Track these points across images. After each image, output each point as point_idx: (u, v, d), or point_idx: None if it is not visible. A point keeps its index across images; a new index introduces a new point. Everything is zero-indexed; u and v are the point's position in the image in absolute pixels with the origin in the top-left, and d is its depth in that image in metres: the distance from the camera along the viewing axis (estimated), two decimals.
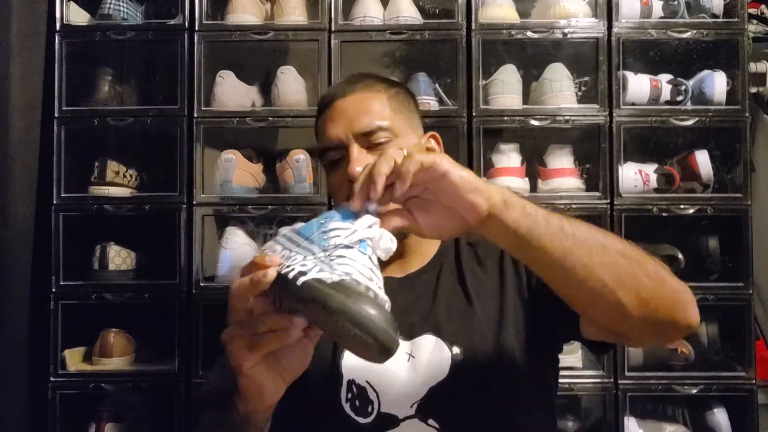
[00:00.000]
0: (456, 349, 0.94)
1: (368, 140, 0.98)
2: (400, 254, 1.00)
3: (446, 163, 0.70)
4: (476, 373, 0.93)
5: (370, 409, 0.92)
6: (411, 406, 0.92)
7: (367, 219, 0.71)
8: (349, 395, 0.93)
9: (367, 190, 0.71)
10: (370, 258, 0.68)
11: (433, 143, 1.10)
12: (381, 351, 0.62)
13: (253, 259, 0.68)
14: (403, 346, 0.94)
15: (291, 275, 0.64)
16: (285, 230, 0.74)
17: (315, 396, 0.94)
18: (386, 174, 0.70)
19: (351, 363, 0.94)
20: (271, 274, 0.65)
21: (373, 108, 0.99)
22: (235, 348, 0.69)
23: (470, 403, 0.92)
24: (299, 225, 0.73)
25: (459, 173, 0.71)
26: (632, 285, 0.75)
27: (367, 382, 0.93)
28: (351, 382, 0.94)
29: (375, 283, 0.66)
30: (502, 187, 0.75)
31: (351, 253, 0.67)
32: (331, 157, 1.01)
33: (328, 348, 0.95)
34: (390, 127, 0.99)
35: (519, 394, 0.94)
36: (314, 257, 0.67)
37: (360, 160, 0.95)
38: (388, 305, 0.65)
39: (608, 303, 0.76)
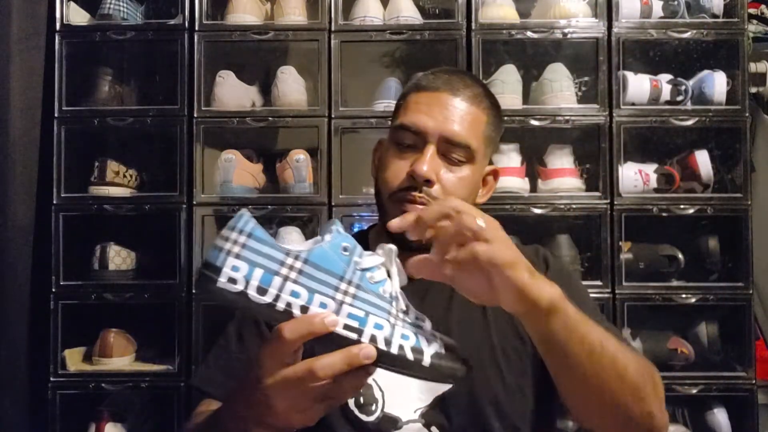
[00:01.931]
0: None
1: (448, 148, 0.95)
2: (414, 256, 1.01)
3: (503, 257, 0.64)
4: (483, 386, 0.92)
5: (374, 408, 0.92)
6: (415, 411, 0.92)
7: (383, 250, 0.68)
8: None
9: (416, 226, 0.68)
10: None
11: (490, 179, 1.07)
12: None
13: (298, 321, 0.62)
14: None
15: (408, 354, 0.64)
16: (280, 255, 0.63)
17: None
18: (448, 237, 0.66)
19: None
20: (373, 353, 0.62)
21: (470, 124, 0.96)
22: (300, 403, 0.64)
23: (474, 416, 0.92)
24: (303, 250, 0.63)
25: (515, 274, 0.65)
26: (623, 416, 0.77)
27: (374, 380, 0.93)
28: None
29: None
30: (555, 289, 0.69)
31: (405, 301, 0.68)
32: (403, 138, 0.97)
33: None
34: (473, 150, 0.96)
35: (524, 410, 0.94)
36: (388, 315, 0.65)
37: (431, 164, 0.93)
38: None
39: (592, 416, 0.79)
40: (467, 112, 0.96)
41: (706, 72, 1.70)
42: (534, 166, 1.72)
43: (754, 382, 1.61)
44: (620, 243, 1.63)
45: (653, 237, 1.71)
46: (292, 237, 1.65)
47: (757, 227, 1.64)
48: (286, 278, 0.62)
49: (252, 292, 0.61)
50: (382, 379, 0.93)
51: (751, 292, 1.62)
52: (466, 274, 0.67)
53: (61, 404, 1.62)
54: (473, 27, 1.65)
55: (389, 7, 1.71)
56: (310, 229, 1.70)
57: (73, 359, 1.65)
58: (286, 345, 0.62)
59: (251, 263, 0.61)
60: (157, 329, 1.66)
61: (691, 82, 1.70)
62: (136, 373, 1.64)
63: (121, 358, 1.65)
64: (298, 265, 0.62)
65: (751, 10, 1.81)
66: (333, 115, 1.65)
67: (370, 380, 0.91)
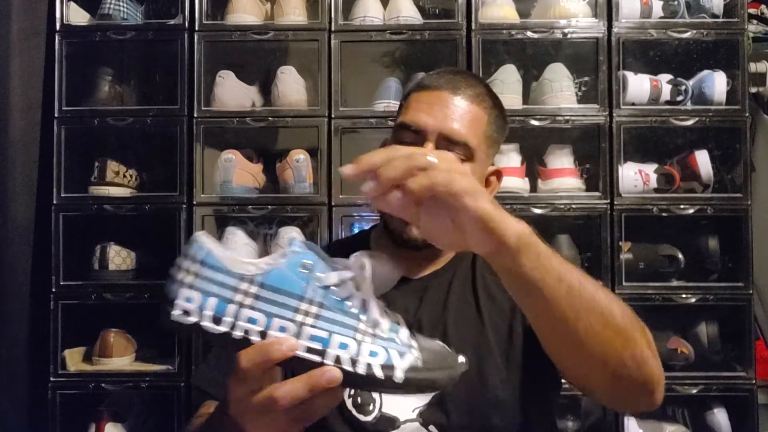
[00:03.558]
0: (462, 359, 0.94)
1: (447, 146, 0.93)
2: (419, 256, 1.00)
3: (460, 185, 0.61)
4: (481, 385, 0.92)
5: (371, 408, 0.92)
6: (413, 411, 0.92)
7: (355, 259, 0.63)
8: (352, 391, 0.92)
9: (372, 174, 0.63)
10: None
11: (494, 180, 1.05)
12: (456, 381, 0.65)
13: (255, 349, 0.59)
14: None
15: (377, 373, 0.59)
16: (234, 281, 0.60)
17: None
18: (396, 176, 0.62)
19: None
20: (338, 377, 0.58)
21: (470, 123, 0.95)
22: (272, 426, 0.62)
23: (473, 414, 0.91)
24: (258, 273, 0.60)
25: (475, 203, 0.62)
26: (615, 363, 0.74)
27: None
28: None
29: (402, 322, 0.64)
30: (522, 225, 0.66)
31: (379, 307, 0.62)
32: (404, 137, 0.96)
33: None
34: (473, 148, 0.95)
35: (521, 409, 0.94)
36: (354, 332, 0.60)
37: None
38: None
39: (585, 370, 0.77)
40: (467, 110, 0.96)
41: (706, 72, 1.70)
42: (534, 166, 1.72)
43: (754, 382, 1.61)
44: (620, 243, 1.63)
45: (653, 237, 1.71)
46: (287, 234, 1.65)
47: (757, 227, 1.64)
48: (241, 305, 0.59)
49: (206, 323, 0.59)
50: None
51: (751, 292, 1.62)
52: (429, 216, 0.64)
53: (61, 404, 1.62)
54: (473, 27, 1.65)
55: (389, 7, 1.71)
56: (310, 229, 1.70)
57: (73, 359, 1.65)
58: (246, 374, 0.60)
59: (205, 293, 0.59)
60: (157, 329, 1.66)
61: (691, 82, 1.70)
62: (136, 373, 1.63)
63: (121, 358, 1.65)
64: (254, 289, 0.60)
65: (751, 10, 1.81)
66: (333, 115, 1.65)
67: None
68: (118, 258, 1.67)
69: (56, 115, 1.67)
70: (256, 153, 1.76)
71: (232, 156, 1.65)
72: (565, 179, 1.66)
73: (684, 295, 1.62)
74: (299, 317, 0.59)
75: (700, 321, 1.69)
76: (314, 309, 0.60)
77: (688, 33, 1.66)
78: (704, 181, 1.69)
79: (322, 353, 0.59)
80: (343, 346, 0.59)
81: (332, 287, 0.61)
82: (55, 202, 1.65)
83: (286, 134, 1.81)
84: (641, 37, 1.67)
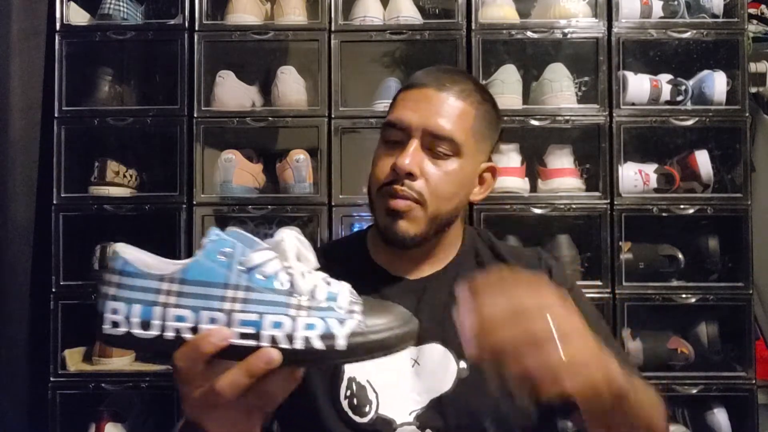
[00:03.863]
0: (463, 364, 0.93)
1: (432, 143, 0.94)
2: (414, 256, 1.00)
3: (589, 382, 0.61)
4: (480, 391, 0.91)
5: (367, 409, 0.91)
6: (410, 414, 0.91)
7: (282, 234, 0.62)
8: (348, 392, 0.92)
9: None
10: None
11: (488, 177, 1.05)
12: (413, 341, 0.63)
13: (183, 340, 0.58)
14: (409, 351, 0.93)
15: (317, 344, 0.57)
16: (153, 283, 0.58)
17: (315, 390, 0.93)
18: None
19: None
20: (277, 357, 0.57)
21: (456, 118, 0.95)
22: (231, 424, 0.61)
23: (471, 418, 0.91)
24: (177, 270, 0.58)
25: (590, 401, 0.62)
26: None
27: (367, 381, 0.93)
28: (351, 380, 0.93)
29: (346, 288, 0.62)
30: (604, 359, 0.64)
31: (313, 279, 0.60)
32: (390, 136, 0.97)
33: None
34: (459, 143, 0.94)
35: (522, 414, 0.93)
36: (287, 308, 0.58)
37: (414, 157, 0.92)
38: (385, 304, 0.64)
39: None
40: (453, 105, 0.95)
41: (706, 72, 1.70)
42: (534, 166, 1.72)
43: (754, 382, 1.61)
44: (620, 243, 1.63)
45: (653, 237, 1.70)
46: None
47: (757, 227, 1.64)
48: (165, 305, 0.58)
49: (136, 330, 0.58)
50: (376, 380, 0.92)
51: (751, 292, 1.62)
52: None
53: (61, 404, 1.62)
54: (473, 27, 1.65)
55: (389, 7, 1.71)
56: (310, 230, 1.70)
57: (73, 359, 1.65)
58: (187, 374, 0.59)
59: (128, 301, 0.59)
60: None
61: (691, 82, 1.70)
62: (136, 373, 1.63)
63: (121, 358, 1.65)
64: (175, 287, 0.58)
65: (751, 10, 1.81)
66: (333, 115, 1.65)
67: (363, 381, 0.92)
68: None
69: (56, 115, 1.67)
70: (256, 153, 1.76)
71: (232, 156, 1.65)
72: (565, 179, 1.66)
73: (684, 295, 1.62)
74: (227, 305, 0.58)
75: (700, 321, 1.69)
76: (241, 294, 0.58)
77: (688, 33, 1.66)
78: (704, 181, 1.69)
79: (256, 336, 0.58)
80: (277, 324, 0.58)
81: (256, 268, 0.59)
82: (55, 202, 1.65)
83: (286, 134, 1.81)
84: (641, 37, 1.67)
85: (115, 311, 0.59)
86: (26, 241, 1.64)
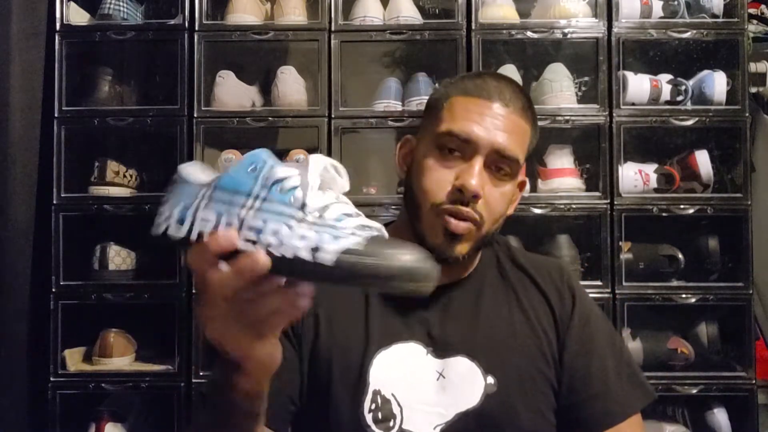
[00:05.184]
0: (490, 379, 0.91)
1: (496, 160, 0.91)
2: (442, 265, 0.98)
3: None
4: (507, 408, 0.90)
5: (391, 424, 0.89)
6: (434, 428, 0.90)
7: (312, 156, 0.63)
8: (373, 405, 0.90)
9: None
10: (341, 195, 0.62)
11: (517, 191, 1.01)
12: (430, 287, 0.57)
13: (203, 240, 0.59)
14: (434, 364, 0.92)
15: (304, 255, 0.56)
16: (197, 188, 0.63)
17: (338, 402, 0.91)
18: None
19: (379, 373, 0.91)
20: (263, 261, 0.56)
21: (519, 137, 0.93)
22: (235, 340, 0.61)
23: None
24: (211, 178, 0.63)
25: None
26: None
27: (392, 394, 0.90)
28: (376, 393, 0.91)
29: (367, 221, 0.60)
30: None
31: (327, 198, 0.60)
32: (448, 143, 0.92)
33: (357, 353, 0.92)
34: (519, 164, 0.93)
35: None
36: (290, 219, 0.58)
37: (480, 178, 0.89)
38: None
39: None
40: (516, 124, 0.93)
41: (706, 72, 1.70)
42: (534, 166, 1.72)
43: (754, 382, 1.60)
44: (620, 243, 1.63)
45: (653, 237, 1.70)
46: None
47: (757, 227, 1.64)
48: (197, 208, 0.62)
49: (172, 229, 0.63)
50: (401, 393, 0.91)
51: (751, 292, 1.62)
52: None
53: (61, 404, 1.62)
54: (473, 27, 1.65)
55: (389, 7, 1.71)
56: None
57: (73, 359, 1.65)
58: (197, 276, 0.60)
59: (172, 204, 0.65)
60: (157, 329, 1.66)
61: (691, 82, 1.70)
62: (136, 373, 1.63)
63: (121, 358, 1.65)
64: (209, 193, 0.62)
65: (751, 10, 1.81)
66: (333, 115, 1.65)
67: (388, 395, 0.90)
68: (118, 258, 1.67)
69: (56, 115, 1.67)
70: None
71: (232, 156, 1.65)
72: (565, 179, 1.66)
73: (684, 295, 1.62)
74: (243, 212, 0.60)
75: (700, 321, 1.69)
76: (257, 203, 0.60)
77: (688, 33, 1.66)
78: (704, 181, 1.69)
79: (255, 242, 0.58)
80: (275, 232, 0.58)
81: (278, 182, 0.61)
82: (55, 202, 1.65)
83: (286, 134, 1.80)
84: (641, 37, 1.67)
85: (162, 213, 0.65)
86: (26, 241, 1.64)
